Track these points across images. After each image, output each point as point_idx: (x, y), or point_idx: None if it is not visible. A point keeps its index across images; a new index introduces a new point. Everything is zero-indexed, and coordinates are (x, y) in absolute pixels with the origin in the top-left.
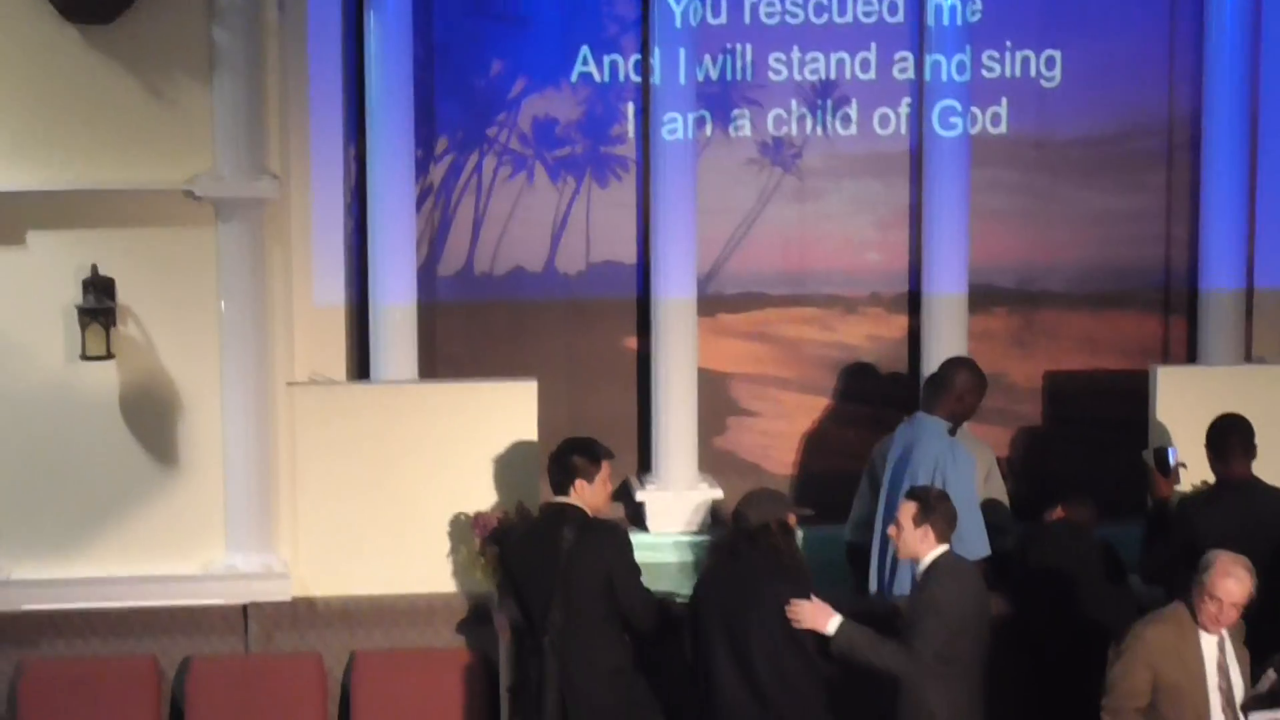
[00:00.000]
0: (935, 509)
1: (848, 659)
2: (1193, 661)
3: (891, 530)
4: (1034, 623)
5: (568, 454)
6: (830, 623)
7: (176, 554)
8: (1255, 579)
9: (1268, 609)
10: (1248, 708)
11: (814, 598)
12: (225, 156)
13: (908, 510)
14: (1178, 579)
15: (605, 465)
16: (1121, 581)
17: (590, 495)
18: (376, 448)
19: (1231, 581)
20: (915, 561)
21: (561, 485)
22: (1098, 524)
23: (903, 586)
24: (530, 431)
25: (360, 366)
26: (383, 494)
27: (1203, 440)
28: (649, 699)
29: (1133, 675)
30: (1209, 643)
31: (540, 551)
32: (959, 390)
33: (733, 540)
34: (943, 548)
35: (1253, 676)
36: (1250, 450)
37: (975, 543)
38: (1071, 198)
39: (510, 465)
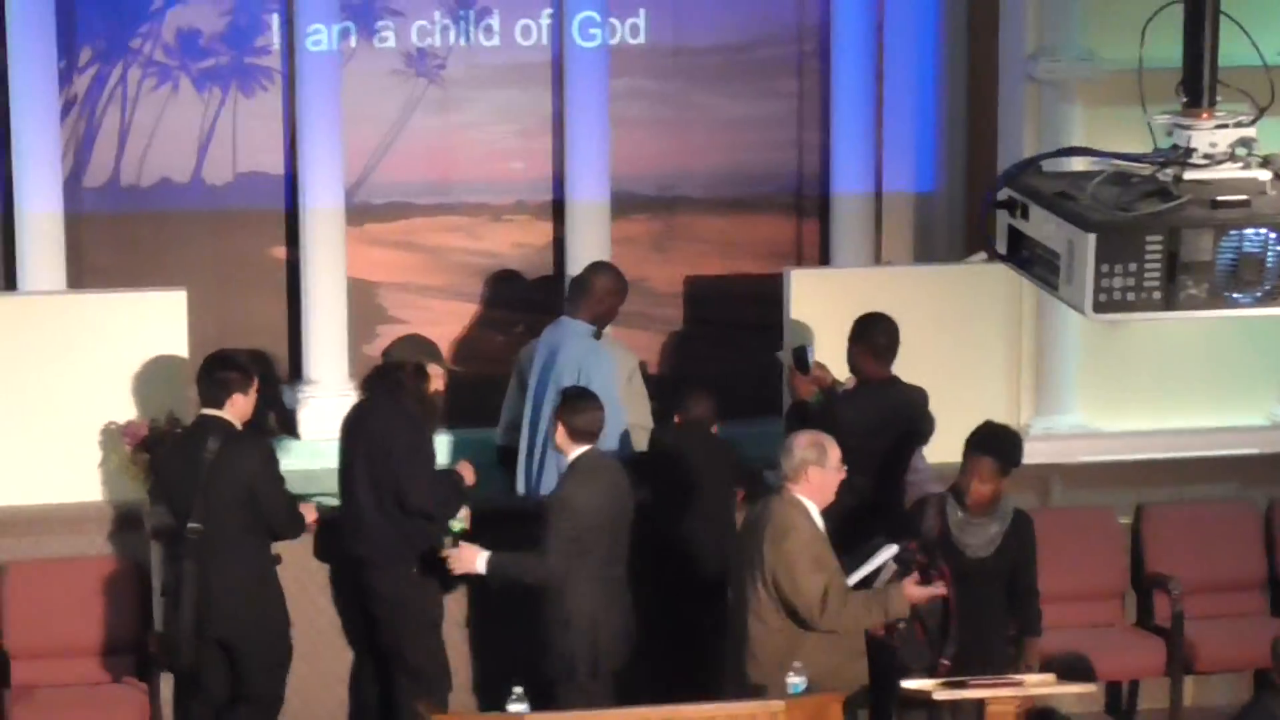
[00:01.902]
0: (581, 408)
1: (507, 583)
2: (821, 538)
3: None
4: (662, 519)
5: (221, 367)
6: (479, 560)
7: None
8: None
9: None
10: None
11: (462, 546)
12: None
13: (558, 409)
14: None
15: (256, 380)
16: (743, 478)
17: (242, 406)
18: (23, 359)
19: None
20: (565, 457)
21: (215, 397)
22: (716, 419)
23: (549, 486)
24: (180, 342)
25: (6, 277)
26: (30, 405)
27: (834, 340)
28: (284, 607)
29: (815, 571)
30: (818, 518)
31: (186, 461)
32: (600, 294)
33: (368, 376)
34: (586, 446)
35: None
36: (894, 347)
37: (619, 443)
38: (708, 105)
39: (160, 375)
